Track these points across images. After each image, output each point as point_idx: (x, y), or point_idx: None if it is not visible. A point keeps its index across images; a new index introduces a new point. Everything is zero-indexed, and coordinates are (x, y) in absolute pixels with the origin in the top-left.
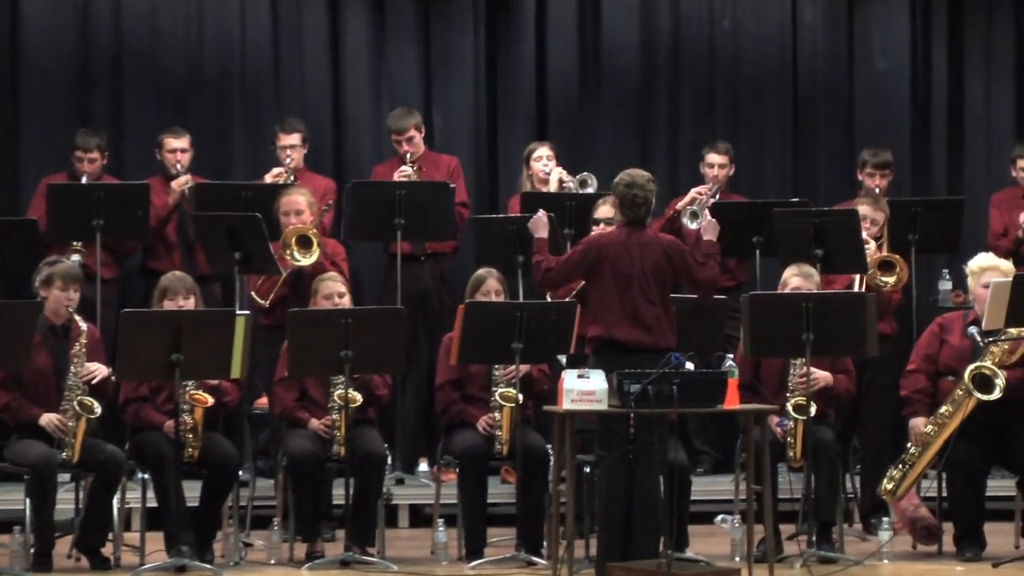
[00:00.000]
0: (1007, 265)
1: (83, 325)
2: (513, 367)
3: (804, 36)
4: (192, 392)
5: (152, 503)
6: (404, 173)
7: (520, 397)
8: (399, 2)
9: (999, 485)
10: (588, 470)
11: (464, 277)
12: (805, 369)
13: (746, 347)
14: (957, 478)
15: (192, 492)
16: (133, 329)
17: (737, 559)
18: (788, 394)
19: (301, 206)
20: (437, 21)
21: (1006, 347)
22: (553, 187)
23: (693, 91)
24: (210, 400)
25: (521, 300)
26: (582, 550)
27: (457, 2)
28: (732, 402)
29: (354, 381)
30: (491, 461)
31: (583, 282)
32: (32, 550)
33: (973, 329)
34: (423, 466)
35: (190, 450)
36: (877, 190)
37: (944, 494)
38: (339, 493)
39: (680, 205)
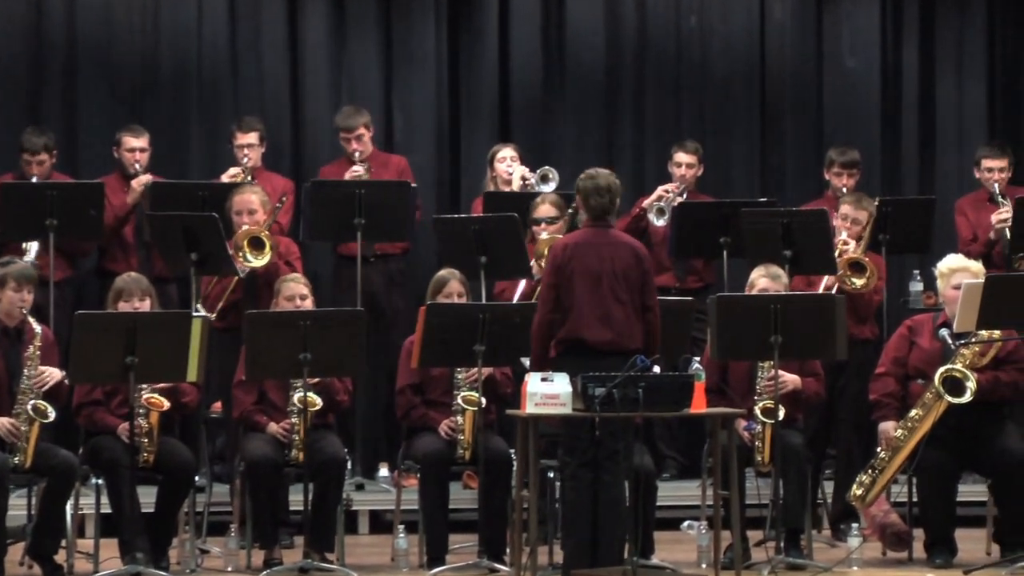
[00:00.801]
0: (977, 266)
1: (37, 327)
2: (475, 370)
3: (772, 33)
4: (147, 396)
5: (106, 509)
6: (356, 173)
7: (483, 401)
8: None
9: (970, 490)
10: (552, 475)
11: (415, 278)
12: (773, 372)
13: (713, 350)
14: (928, 483)
15: (147, 498)
16: (87, 331)
17: (704, 566)
18: (756, 398)
19: (254, 205)
20: (398, 18)
21: (977, 349)
22: (516, 186)
23: (659, 89)
24: (166, 404)
25: (484, 302)
26: (545, 557)
27: None
28: (699, 406)
29: (314, 386)
30: (453, 466)
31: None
32: None
33: (944, 331)
34: (383, 471)
35: (145, 455)
36: (844, 190)
37: (915, 499)
38: (298, 499)
39: (646, 203)
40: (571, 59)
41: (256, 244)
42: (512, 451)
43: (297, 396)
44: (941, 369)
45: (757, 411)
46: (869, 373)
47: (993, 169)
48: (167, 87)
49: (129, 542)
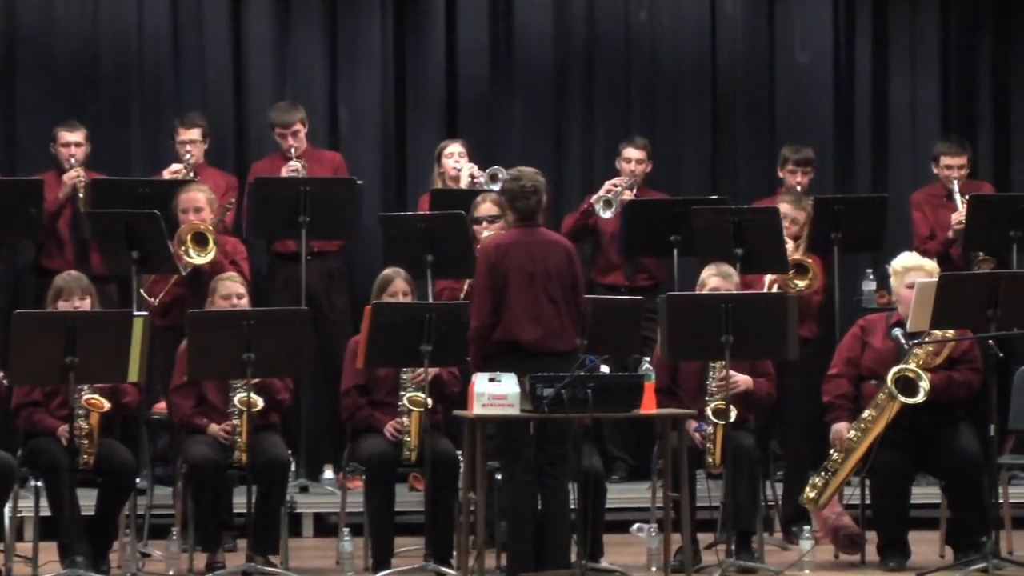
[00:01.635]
0: (931, 265)
1: None
2: (422, 370)
3: (723, 28)
4: (88, 397)
5: (45, 512)
6: (293, 168)
7: (429, 401)
8: None
9: (924, 492)
10: (500, 477)
11: (353, 276)
12: (724, 372)
13: (663, 349)
14: (881, 485)
15: (87, 500)
16: (25, 331)
17: (654, 569)
18: (707, 398)
19: (200, 203)
20: (343, 11)
21: (931, 349)
22: (464, 183)
23: (609, 85)
24: (106, 405)
25: (430, 301)
26: (493, 560)
27: None
28: (649, 406)
29: (254, 386)
30: (399, 468)
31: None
32: None
33: (897, 331)
34: (328, 473)
35: (85, 457)
36: (798, 187)
37: (868, 502)
38: (240, 501)
39: (594, 199)
40: (519, 54)
41: (200, 240)
42: (459, 452)
43: (238, 397)
44: (894, 369)
45: (708, 412)
46: (810, 372)
47: (952, 166)
48: (108, 82)
49: (69, 545)
